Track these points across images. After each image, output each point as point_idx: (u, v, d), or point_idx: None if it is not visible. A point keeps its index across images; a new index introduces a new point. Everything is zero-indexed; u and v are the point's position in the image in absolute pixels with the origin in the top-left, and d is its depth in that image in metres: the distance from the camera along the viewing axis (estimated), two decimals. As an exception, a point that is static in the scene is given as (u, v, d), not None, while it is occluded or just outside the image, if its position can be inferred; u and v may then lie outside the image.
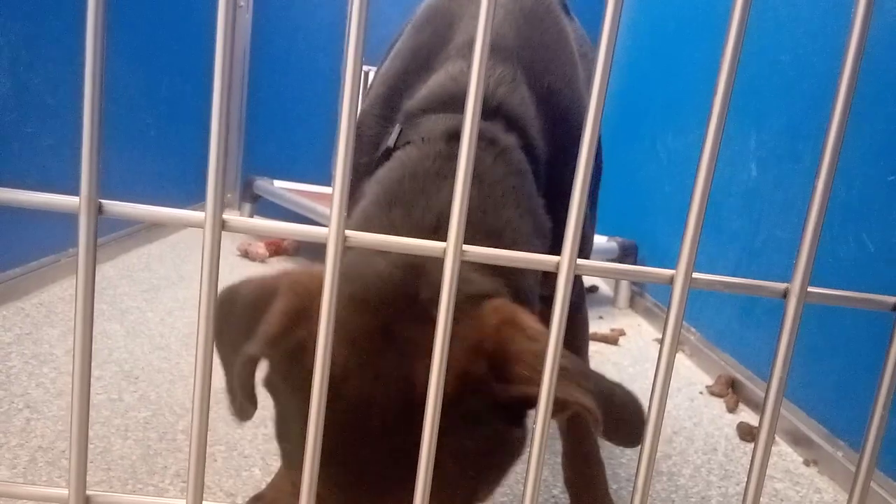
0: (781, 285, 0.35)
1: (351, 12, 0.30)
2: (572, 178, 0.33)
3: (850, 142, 1.23)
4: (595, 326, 1.92)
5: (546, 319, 0.37)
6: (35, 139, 1.63)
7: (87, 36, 0.29)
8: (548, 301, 0.35)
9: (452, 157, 0.61)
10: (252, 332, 0.49)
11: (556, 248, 0.35)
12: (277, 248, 2.39)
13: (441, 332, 0.33)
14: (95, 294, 1.39)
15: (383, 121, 0.75)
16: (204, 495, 0.34)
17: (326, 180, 2.85)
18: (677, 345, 0.34)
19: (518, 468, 1.17)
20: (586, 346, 0.97)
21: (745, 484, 1.17)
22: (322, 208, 2.30)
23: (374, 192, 0.61)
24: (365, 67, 2.57)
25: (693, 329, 1.84)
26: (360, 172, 0.72)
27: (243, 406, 0.56)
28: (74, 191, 0.31)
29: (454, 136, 0.63)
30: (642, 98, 2.42)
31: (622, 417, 0.46)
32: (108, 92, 1.92)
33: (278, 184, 2.72)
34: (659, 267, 0.35)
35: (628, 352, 1.82)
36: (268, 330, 0.49)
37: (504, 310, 0.49)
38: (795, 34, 1.54)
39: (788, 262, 1.47)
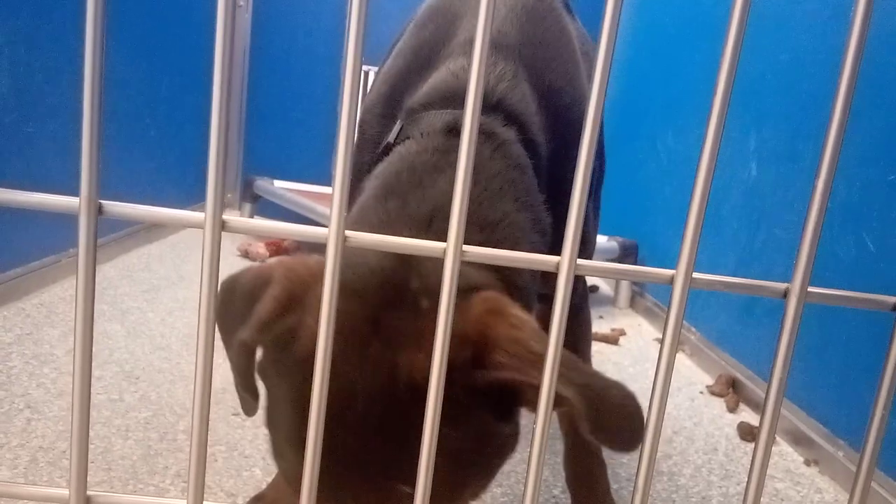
0: (782, 285, 0.35)
1: (350, 12, 0.30)
2: (573, 176, 0.33)
3: (850, 141, 1.23)
4: (595, 326, 1.92)
5: (546, 319, 0.37)
6: (35, 139, 1.63)
7: (87, 36, 0.29)
8: (549, 301, 0.35)
9: (450, 151, 0.62)
10: (247, 319, 0.50)
11: (557, 246, 0.35)
12: (278, 248, 2.39)
13: (441, 333, 0.33)
14: (96, 294, 1.39)
15: (385, 119, 0.75)
16: (205, 495, 0.34)
17: (326, 180, 2.85)
18: (677, 345, 0.34)
19: (518, 468, 1.16)
20: (589, 347, 0.97)
21: (745, 484, 1.17)
22: (322, 208, 2.30)
23: (371, 187, 0.62)
24: (365, 67, 2.57)
25: (693, 329, 1.84)
26: (363, 171, 0.73)
27: (246, 399, 0.56)
28: (74, 191, 0.31)
29: (453, 131, 0.63)
30: (642, 98, 2.42)
31: (617, 418, 0.45)
32: (107, 92, 1.92)
33: (278, 184, 2.72)
34: (659, 266, 0.35)
35: (628, 352, 1.82)
36: (259, 316, 0.49)
37: (491, 300, 0.49)
38: (795, 34, 1.54)
39: (788, 261, 1.47)
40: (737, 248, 1.69)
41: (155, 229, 2.36)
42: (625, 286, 2.27)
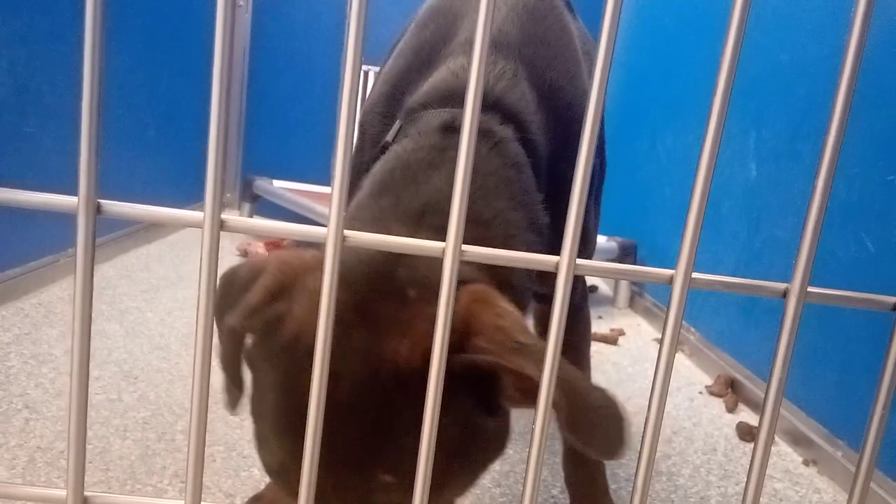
0: (781, 285, 0.35)
1: (350, 12, 0.30)
2: (573, 175, 0.32)
3: (850, 141, 1.23)
4: (594, 326, 1.92)
5: (546, 319, 0.37)
6: (34, 139, 1.62)
7: (86, 35, 0.29)
8: (549, 300, 0.35)
9: (446, 149, 0.62)
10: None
11: (557, 246, 0.35)
12: (277, 248, 2.39)
13: (440, 333, 0.33)
14: (94, 294, 1.39)
15: (386, 119, 0.75)
16: (203, 496, 0.34)
17: (326, 180, 2.85)
18: (677, 345, 0.34)
19: (517, 468, 1.16)
20: (588, 347, 0.97)
21: (744, 484, 1.17)
22: (321, 208, 2.30)
23: (367, 184, 0.62)
24: (364, 67, 2.57)
25: (692, 329, 1.84)
26: (363, 170, 0.73)
27: (231, 391, 0.57)
28: (73, 191, 0.31)
29: (449, 129, 0.63)
30: (642, 97, 2.42)
31: (595, 420, 0.45)
32: (106, 91, 1.92)
33: (277, 183, 2.72)
34: (658, 266, 0.35)
35: (628, 352, 1.82)
36: (248, 303, 0.50)
37: (478, 292, 0.49)
38: (795, 34, 1.54)
39: (788, 261, 1.47)
40: (736, 248, 1.69)
41: (154, 229, 2.36)
42: (624, 286, 2.27)
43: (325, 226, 0.32)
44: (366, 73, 2.66)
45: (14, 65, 1.53)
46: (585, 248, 0.86)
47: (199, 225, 0.32)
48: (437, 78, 0.70)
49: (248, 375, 0.54)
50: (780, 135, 1.55)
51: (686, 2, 2.17)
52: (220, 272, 0.45)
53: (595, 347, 1.81)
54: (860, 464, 0.36)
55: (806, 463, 1.28)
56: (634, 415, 1.41)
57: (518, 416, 1.32)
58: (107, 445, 1.04)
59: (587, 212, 0.86)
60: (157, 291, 1.81)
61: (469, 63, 0.69)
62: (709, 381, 1.64)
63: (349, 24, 0.30)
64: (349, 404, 0.46)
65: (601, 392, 0.47)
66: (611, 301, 2.31)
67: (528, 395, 0.47)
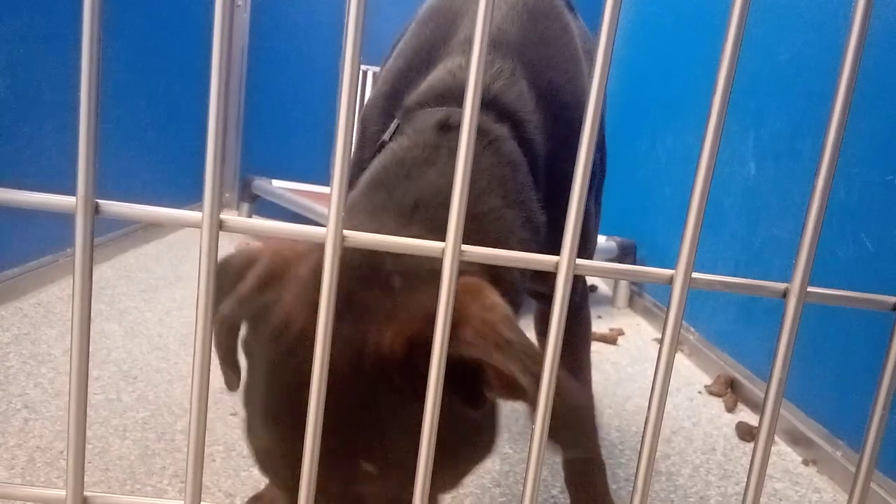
0: (781, 285, 0.35)
1: (348, 11, 0.30)
2: (573, 175, 0.32)
3: (850, 141, 1.23)
4: (594, 326, 1.92)
5: (546, 319, 0.37)
6: (33, 139, 1.62)
7: (84, 35, 0.29)
8: (549, 300, 0.35)
9: (440, 146, 0.62)
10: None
11: (556, 246, 0.35)
12: (276, 247, 2.39)
13: (440, 334, 0.33)
14: (93, 294, 1.39)
15: (385, 117, 0.75)
16: (202, 496, 0.34)
17: (325, 180, 2.85)
18: (677, 345, 0.34)
19: (517, 468, 1.16)
20: (588, 347, 0.97)
21: (744, 484, 1.17)
22: (321, 208, 2.30)
23: (362, 180, 0.63)
24: (363, 67, 2.56)
25: (692, 328, 1.84)
26: (362, 169, 0.73)
27: (228, 374, 0.57)
28: (72, 191, 0.31)
29: (445, 127, 0.64)
30: (641, 97, 2.42)
31: (563, 419, 0.45)
32: (105, 91, 1.92)
33: (277, 183, 2.72)
34: (658, 266, 0.35)
35: (627, 351, 1.82)
36: (240, 291, 0.51)
37: (469, 283, 0.49)
38: (794, 33, 1.54)
39: (788, 261, 1.47)
40: (736, 248, 1.69)
41: (152, 229, 2.36)
42: (623, 286, 2.27)
43: (325, 226, 0.32)
44: (364, 73, 2.66)
45: (13, 65, 1.53)
46: (586, 247, 0.86)
47: (197, 225, 0.32)
48: (435, 77, 0.70)
49: (245, 364, 0.55)
50: (780, 134, 1.55)
51: (686, 1, 2.17)
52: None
53: (594, 347, 1.81)
54: (860, 464, 0.36)
55: (805, 463, 1.28)
56: (634, 415, 1.41)
57: (518, 417, 1.32)
58: (106, 445, 1.04)
59: (587, 211, 0.86)
60: (155, 291, 1.81)
61: (467, 62, 0.70)
62: (708, 380, 1.64)
63: (348, 23, 0.30)
64: (331, 392, 0.46)
65: (579, 391, 0.47)
66: (610, 301, 2.31)
67: (511, 390, 0.47)
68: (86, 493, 0.34)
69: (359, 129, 0.82)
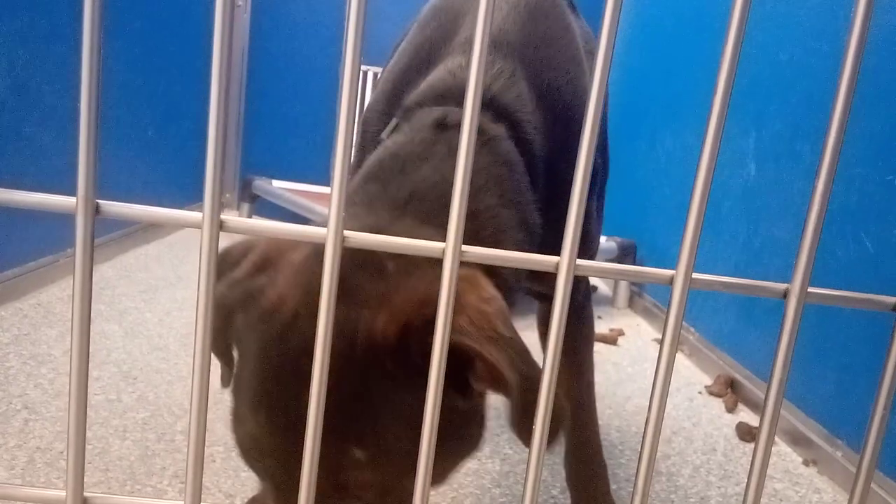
0: (781, 285, 0.35)
1: (349, 12, 0.30)
2: (573, 175, 0.32)
3: (850, 142, 1.23)
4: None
5: (548, 319, 0.37)
6: (33, 139, 1.62)
7: (84, 35, 0.29)
8: (551, 300, 0.35)
9: (436, 143, 0.63)
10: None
11: (556, 247, 0.35)
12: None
13: (440, 333, 0.33)
14: (93, 295, 1.39)
15: (386, 117, 0.75)
16: (202, 496, 0.34)
17: (325, 180, 2.85)
18: (677, 345, 0.34)
19: (517, 469, 1.16)
20: (591, 347, 0.97)
21: (744, 484, 1.17)
22: (321, 208, 2.30)
23: (358, 174, 0.64)
24: (363, 67, 2.56)
25: (692, 329, 1.84)
26: None
27: (223, 368, 0.57)
28: (72, 191, 0.31)
29: (441, 125, 0.64)
30: (642, 97, 2.42)
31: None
32: (105, 92, 1.92)
33: (277, 184, 2.72)
34: (658, 266, 0.35)
35: (627, 352, 1.82)
36: (233, 276, 0.51)
37: (467, 273, 0.49)
38: (795, 34, 1.54)
39: (787, 261, 1.47)
40: (736, 248, 1.69)
41: (153, 229, 2.36)
42: (623, 286, 2.27)
43: (325, 226, 0.32)
44: (365, 74, 2.66)
45: (13, 65, 1.53)
46: (587, 248, 0.86)
47: (197, 225, 0.32)
48: (435, 77, 0.70)
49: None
50: (780, 135, 1.55)
51: (686, 2, 2.17)
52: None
53: (594, 347, 1.81)
54: (861, 464, 0.36)
55: (806, 463, 1.28)
56: (634, 415, 1.41)
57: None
58: (106, 446, 1.04)
59: (588, 212, 0.86)
60: (155, 292, 1.81)
61: (467, 62, 0.70)
62: (708, 381, 1.64)
63: (348, 23, 0.30)
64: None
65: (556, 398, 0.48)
66: (610, 301, 2.31)
67: (496, 383, 0.47)
68: (86, 494, 0.34)
69: (359, 129, 0.82)
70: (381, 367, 0.47)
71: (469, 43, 0.73)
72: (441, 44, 0.75)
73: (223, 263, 0.54)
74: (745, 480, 0.36)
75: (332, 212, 0.32)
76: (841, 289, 0.36)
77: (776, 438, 1.38)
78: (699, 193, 0.32)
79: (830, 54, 1.42)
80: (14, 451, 0.99)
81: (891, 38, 1.21)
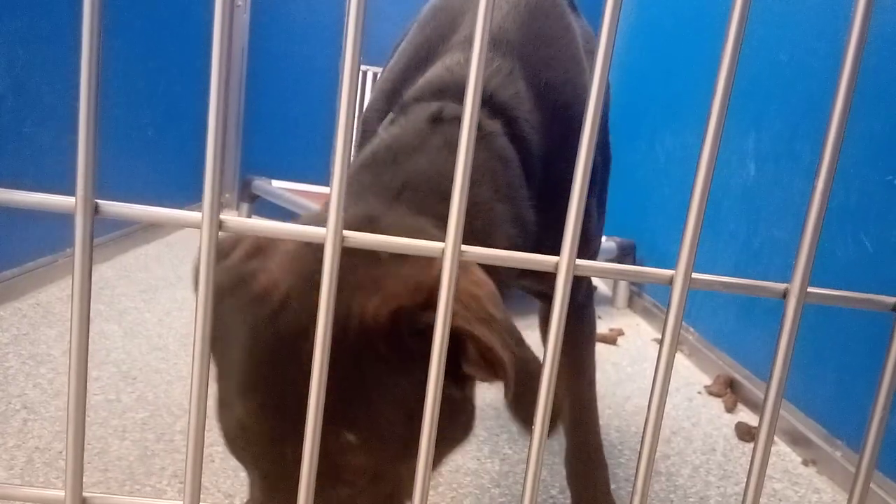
0: (781, 285, 0.35)
1: (348, 11, 0.30)
2: (572, 174, 0.32)
3: (849, 142, 1.23)
4: (593, 326, 1.92)
5: (548, 319, 0.37)
6: (33, 139, 1.62)
7: (83, 35, 0.29)
8: (552, 299, 0.35)
9: (431, 135, 0.63)
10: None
11: (555, 247, 0.35)
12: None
13: (440, 335, 0.33)
14: (93, 295, 1.38)
15: (385, 115, 0.76)
16: (202, 496, 0.34)
17: (325, 180, 2.85)
18: (677, 345, 0.34)
19: (517, 468, 1.15)
20: (592, 346, 0.96)
21: (743, 484, 1.17)
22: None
23: (352, 166, 0.64)
24: (363, 67, 2.56)
25: (691, 329, 1.84)
26: None
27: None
28: (72, 191, 0.31)
29: (437, 119, 0.64)
30: (641, 97, 2.42)
31: (535, 397, 0.47)
32: (105, 91, 1.92)
33: (276, 184, 2.72)
34: (657, 266, 0.35)
35: (627, 352, 1.82)
36: (227, 262, 0.51)
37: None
38: (794, 34, 1.54)
39: (787, 261, 1.47)
40: (735, 249, 1.69)
41: (152, 229, 2.36)
42: (623, 286, 2.27)
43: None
44: (364, 73, 2.65)
45: (12, 64, 1.52)
46: (587, 248, 0.86)
47: (197, 225, 0.32)
48: (432, 73, 0.71)
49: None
50: (780, 135, 1.55)
51: (686, 2, 2.17)
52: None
53: (594, 347, 1.81)
54: (860, 464, 0.36)
55: (805, 463, 1.28)
56: (634, 415, 1.41)
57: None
58: (105, 446, 1.04)
59: (588, 211, 0.85)
60: (155, 292, 1.81)
61: (465, 59, 0.70)
62: (708, 381, 1.64)
63: (347, 23, 0.30)
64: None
65: (537, 361, 0.48)
66: (610, 301, 2.31)
67: (490, 367, 0.47)
68: (85, 494, 0.34)
69: (359, 129, 0.82)
70: (373, 350, 0.47)
71: (468, 41, 0.73)
72: (440, 42, 0.75)
73: (217, 255, 0.54)
74: (745, 480, 0.36)
75: (332, 212, 0.32)
76: (840, 289, 0.36)
77: (775, 438, 1.38)
78: (699, 193, 0.32)
79: (830, 54, 1.42)
80: (13, 451, 0.99)
81: (891, 38, 1.21)
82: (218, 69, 0.30)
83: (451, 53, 0.72)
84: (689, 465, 1.22)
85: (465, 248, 0.33)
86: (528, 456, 0.35)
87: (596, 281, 2.51)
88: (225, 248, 0.54)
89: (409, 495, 0.53)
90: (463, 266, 0.48)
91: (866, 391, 1.19)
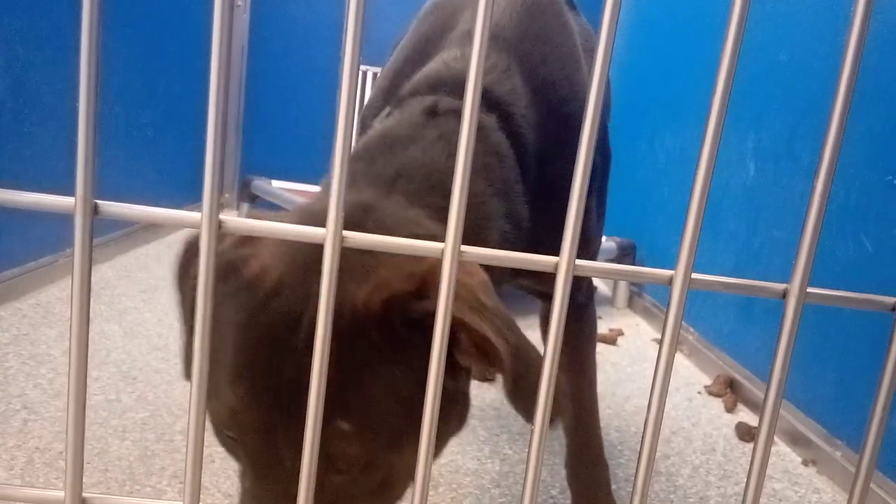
0: (781, 286, 0.34)
1: (348, 11, 0.30)
2: (570, 172, 0.32)
3: (849, 142, 1.23)
4: (593, 326, 1.92)
5: (548, 319, 0.37)
6: (33, 138, 1.62)
7: (82, 34, 0.29)
8: (552, 299, 0.35)
9: (426, 127, 0.63)
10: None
11: (551, 245, 0.35)
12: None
13: (439, 334, 0.33)
14: (93, 295, 1.38)
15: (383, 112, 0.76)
16: (201, 496, 0.34)
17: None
18: (676, 345, 0.34)
19: (517, 469, 1.15)
20: (593, 346, 0.96)
21: (743, 484, 1.17)
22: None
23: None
24: (362, 67, 2.56)
25: (691, 329, 1.84)
26: None
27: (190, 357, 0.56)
28: (71, 191, 0.31)
29: (432, 112, 0.64)
30: (641, 97, 2.42)
31: (536, 388, 0.47)
32: (105, 91, 1.92)
33: (276, 184, 2.72)
34: (657, 266, 0.35)
35: (626, 352, 1.82)
36: (217, 249, 0.50)
37: None
38: (794, 34, 1.54)
39: (787, 262, 1.47)
40: (735, 249, 1.69)
41: (153, 229, 2.36)
42: (623, 286, 2.27)
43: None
44: (364, 73, 2.65)
45: (12, 64, 1.52)
46: (587, 248, 0.86)
47: (196, 226, 0.32)
48: (429, 68, 0.71)
49: None
50: (779, 135, 1.55)
51: (685, 2, 2.17)
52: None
53: (594, 347, 1.81)
54: (860, 464, 0.36)
55: (805, 463, 1.28)
56: (633, 415, 1.41)
57: (515, 417, 1.32)
58: (105, 446, 1.04)
59: (587, 211, 0.85)
60: (155, 292, 1.81)
61: (462, 54, 0.70)
62: (708, 381, 1.64)
63: (347, 23, 0.30)
64: (308, 346, 0.45)
65: (534, 349, 0.47)
66: (610, 301, 2.31)
67: (482, 356, 0.47)
68: (84, 494, 0.34)
69: (358, 127, 0.82)
70: (366, 338, 0.46)
71: (466, 36, 0.73)
72: (438, 38, 0.75)
73: (193, 247, 0.53)
74: (745, 480, 0.36)
75: (332, 212, 0.32)
76: (840, 289, 0.36)
77: (775, 438, 1.38)
78: (698, 193, 0.32)
79: (830, 54, 1.42)
80: (13, 452, 0.99)
81: (891, 38, 1.21)
82: (217, 69, 0.30)
83: (449, 49, 0.72)
84: (688, 465, 1.22)
85: (464, 248, 0.33)
86: (529, 456, 0.35)
87: (596, 281, 2.50)
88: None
89: (402, 485, 0.53)
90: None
91: (866, 391, 1.19)
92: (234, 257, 0.49)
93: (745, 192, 1.66)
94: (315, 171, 2.95)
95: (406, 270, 0.48)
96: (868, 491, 0.37)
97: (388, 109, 0.70)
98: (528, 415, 0.47)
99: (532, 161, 0.70)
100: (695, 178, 0.32)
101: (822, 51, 1.44)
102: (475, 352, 0.48)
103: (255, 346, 0.47)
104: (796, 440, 1.33)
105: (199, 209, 0.31)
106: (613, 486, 1.09)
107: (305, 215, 0.54)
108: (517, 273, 0.68)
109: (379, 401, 0.47)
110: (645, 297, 2.21)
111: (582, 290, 0.91)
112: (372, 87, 0.94)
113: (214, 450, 1.07)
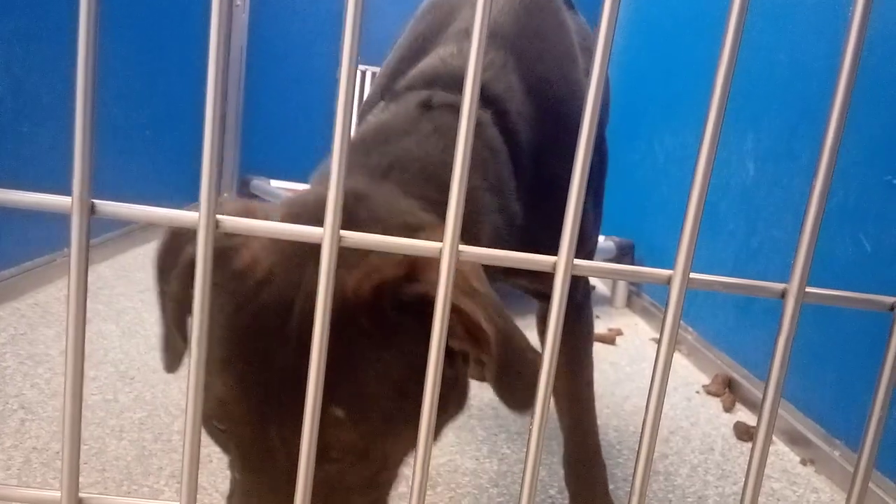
0: (779, 285, 0.34)
1: (347, 11, 0.30)
2: (565, 171, 0.32)
3: (848, 142, 1.23)
4: (592, 326, 1.92)
5: (546, 318, 0.36)
6: (31, 138, 1.62)
7: (80, 34, 0.29)
8: (549, 299, 0.35)
9: (420, 120, 0.63)
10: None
11: (546, 244, 0.35)
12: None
13: (438, 333, 0.33)
14: (91, 294, 1.38)
15: None
16: (199, 497, 0.34)
17: (323, 180, 2.84)
18: (675, 345, 0.34)
19: (515, 468, 1.15)
20: (590, 346, 0.97)
21: (741, 483, 1.17)
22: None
23: None
24: (361, 66, 2.56)
25: (690, 328, 1.84)
26: None
27: (171, 350, 0.56)
28: (68, 190, 0.31)
29: (427, 105, 0.65)
30: (640, 97, 2.42)
31: (520, 376, 0.46)
32: (103, 90, 1.92)
33: (275, 183, 2.72)
34: (656, 266, 0.35)
35: (625, 351, 1.82)
36: None
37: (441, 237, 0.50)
38: (793, 34, 1.54)
39: (786, 261, 1.47)
40: (734, 248, 1.69)
41: (151, 229, 2.36)
42: (621, 286, 2.27)
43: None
44: (363, 73, 2.65)
45: (10, 64, 1.52)
46: (584, 247, 0.86)
47: (194, 225, 0.32)
48: (425, 63, 0.71)
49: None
50: (778, 135, 1.55)
51: (684, 2, 2.17)
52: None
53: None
54: (858, 464, 0.36)
55: (803, 463, 1.28)
56: (632, 414, 1.41)
57: (514, 417, 1.32)
58: (103, 446, 1.04)
59: (584, 210, 0.85)
60: (153, 292, 1.80)
61: (458, 50, 0.70)
62: (706, 380, 1.64)
63: (346, 23, 0.30)
64: (299, 336, 0.45)
65: (534, 353, 0.48)
66: (608, 301, 2.31)
67: (474, 340, 0.47)
68: (81, 495, 0.34)
69: (357, 123, 0.83)
70: (357, 325, 0.46)
71: (463, 33, 0.73)
72: (435, 36, 0.76)
73: (175, 238, 0.54)
74: (743, 480, 0.35)
75: (329, 212, 0.32)
76: (839, 289, 0.36)
77: (774, 438, 1.38)
78: (697, 193, 0.32)
79: (829, 54, 1.42)
80: (10, 452, 0.99)
81: (890, 38, 1.21)
82: (215, 68, 0.30)
83: (445, 45, 0.72)
84: (687, 464, 1.22)
85: (462, 248, 0.33)
86: (527, 455, 0.35)
87: (594, 280, 2.50)
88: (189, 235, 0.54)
89: (396, 472, 0.53)
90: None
91: (865, 391, 1.19)
92: (224, 247, 0.49)
93: (743, 191, 1.66)
94: (314, 170, 2.95)
95: (396, 258, 0.47)
96: (867, 490, 0.37)
97: (383, 103, 0.70)
98: (510, 402, 0.47)
99: (527, 159, 0.70)
100: (693, 177, 0.32)
101: (822, 51, 1.44)
102: (465, 336, 0.48)
103: (245, 335, 0.47)
104: (795, 440, 1.33)
105: (197, 209, 0.31)
106: (611, 486, 1.09)
107: (297, 207, 0.53)
108: (512, 271, 0.68)
109: (372, 387, 0.47)
110: (643, 297, 2.21)
111: (579, 290, 0.91)
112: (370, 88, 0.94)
113: (212, 449, 1.06)
